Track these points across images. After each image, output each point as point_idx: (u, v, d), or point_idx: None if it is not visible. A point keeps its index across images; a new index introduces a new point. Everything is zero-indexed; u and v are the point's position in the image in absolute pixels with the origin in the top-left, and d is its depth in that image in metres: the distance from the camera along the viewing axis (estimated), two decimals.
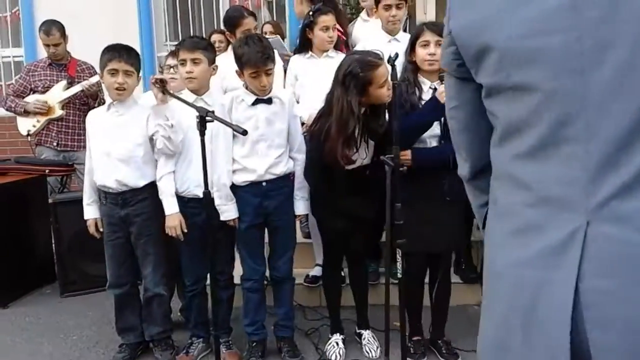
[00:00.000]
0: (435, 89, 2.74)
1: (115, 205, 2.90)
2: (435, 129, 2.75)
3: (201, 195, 2.76)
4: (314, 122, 2.84)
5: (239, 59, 2.77)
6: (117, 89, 2.81)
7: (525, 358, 1.04)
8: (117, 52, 2.82)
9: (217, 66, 2.93)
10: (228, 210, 2.84)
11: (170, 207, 2.86)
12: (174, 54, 3.13)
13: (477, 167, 1.27)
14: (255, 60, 2.71)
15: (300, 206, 2.97)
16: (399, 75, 2.54)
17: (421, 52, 2.72)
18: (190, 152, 2.84)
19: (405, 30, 3.87)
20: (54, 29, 4.41)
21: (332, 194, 2.85)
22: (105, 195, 2.92)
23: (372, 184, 2.82)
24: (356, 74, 2.64)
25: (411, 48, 2.77)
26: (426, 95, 2.76)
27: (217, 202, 2.79)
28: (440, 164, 2.61)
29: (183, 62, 2.83)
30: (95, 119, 2.98)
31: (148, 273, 2.97)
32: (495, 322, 1.11)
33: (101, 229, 2.97)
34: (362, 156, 2.81)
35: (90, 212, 2.98)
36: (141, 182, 2.89)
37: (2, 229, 3.84)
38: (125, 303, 3.03)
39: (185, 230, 2.86)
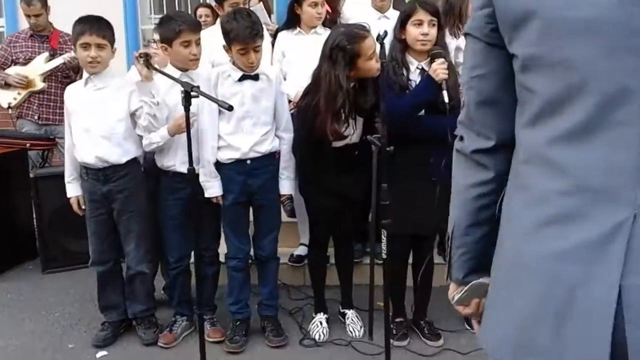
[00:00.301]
0: (422, 69, 2.70)
1: (97, 181, 2.86)
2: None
3: (185, 172, 2.74)
4: (301, 98, 2.82)
5: (226, 34, 2.72)
6: (90, 62, 2.76)
7: (557, 356, 0.96)
8: (88, 24, 2.75)
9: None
10: (212, 187, 2.82)
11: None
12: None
13: (498, 142, 1.13)
14: (244, 37, 2.66)
15: (286, 185, 2.94)
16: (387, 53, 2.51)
17: (413, 31, 2.67)
18: None
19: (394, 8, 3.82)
20: (30, 3, 4.29)
21: (320, 172, 2.84)
22: (86, 172, 2.88)
23: (361, 163, 2.79)
24: (343, 46, 2.62)
25: (401, 25, 2.72)
26: (413, 76, 2.72)
27: (201, 178, 2.77)
28: (438, 135, 2.56)
29: (187, 44, 2.76)
30: (73, 93, 2.91)
31: (130, 250, 2.94)
32: (517, 319, 1.02)
33: (83, 207, 2.93)
34: (349, 133, 2.78)
35: (72, 189, 2.94)
36: (123, 159, 2.85)
37: None
38: (107, 281, 3.01)
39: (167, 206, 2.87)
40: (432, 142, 2.65)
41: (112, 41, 2.82)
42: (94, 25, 2.75)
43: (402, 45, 2.72)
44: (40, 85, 4.33)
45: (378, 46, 2.49)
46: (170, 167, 2.87)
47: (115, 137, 2.82)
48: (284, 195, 2.96)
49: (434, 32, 2.69)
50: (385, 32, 2.42)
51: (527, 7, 0.96)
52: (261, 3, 4.07)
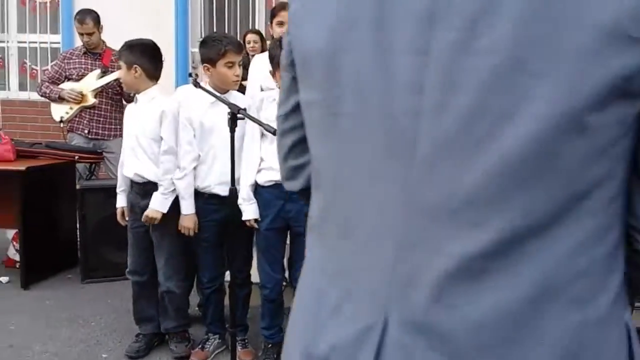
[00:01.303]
0: None
1: (138, 195, 2.95)
2: None
3: (222, 194, 2.82)
4: None
5: (272, 60, 2.78)
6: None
7: None
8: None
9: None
10: (248, 211, 2.83)
11: (188, 207, 2.88)
12: None
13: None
14: None
15: None
16: None
17: None
18: (214, 150, 2.87)
19: None
20: (87, 18, 4.48)
21: None
22: (131, 184, 3.00)
23: None
24: None
25: None
26: None
27: (239, 200, 2.79)
28: None
29: (231, 65, 2.85)
30: (128, 111, 3.11)
31: (161, 267, 2.99)
32: None
33: (127, 218, 3.03)
34: None
35: (120, 200, 3.07)
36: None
37: (30, 211, 3.92)
38: (142, 293, 3.06)
39: (196, 232, 2.90)
40: None
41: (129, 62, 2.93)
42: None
43: None
44: (91, 100, 4.49)
45: None
46: (205, 189, 2.90)
47: (152, 156, 2.91)
48: None
49: None
50: None
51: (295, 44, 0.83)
52: None
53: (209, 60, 2.84)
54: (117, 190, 3.08)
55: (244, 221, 2.84)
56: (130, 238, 3.04)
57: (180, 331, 3.09)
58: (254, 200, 2.84)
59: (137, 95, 3.00)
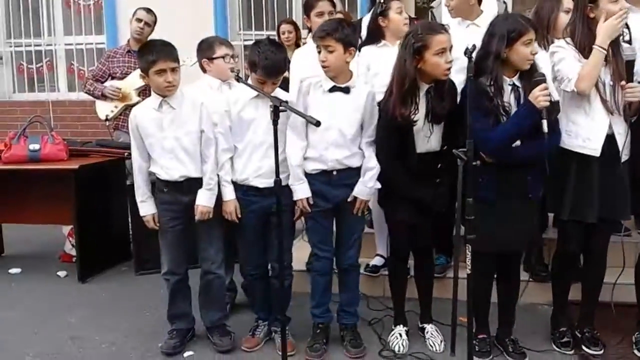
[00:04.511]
0: (514, 86, 2.66)
1: (179, 192, 2.94)
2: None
3: (260, 186, 2.87)
4: (383, 98, 2.84)
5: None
6: (167, 87, 2.84)
7: None
8: (160, 52, 2.84)
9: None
10: (298, 190, 2.87)
11: (229, 193, 2.94)
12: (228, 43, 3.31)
13: None
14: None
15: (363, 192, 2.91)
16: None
17: (524, 51, 2.58)
18: (252, 143, 2.89)
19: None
20: (152, 12, 4.65)
21: (402, 180, 2.82)
22: (166, 184, 2.95)
23: (444, 174, 2.79)
24: (415, 34, 2.67)
25: (507, 44, 2.59)
26: (506, 95, 2.65)
27: (290, 182, 2.86)
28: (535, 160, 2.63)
29: (263, 82, 2.83)
30: (146, 117, 2.93)
31: (210, 255, 3.02)
32: None
33: (157, 224, 3.01)
34: (426, 134, 2.77)
35: (148, 208, 3.01)
36: (200, 172, 2.96)
37: (84, 208, 4.06)
38: (179, 290, 3.09)
39: (240, 216, 2.93)
40: (528, 163, 2.66)
41: (179, 62, 2.93)
42: (167, 51, 2.86)
43: (499, 63, 2.62)
44: (135, 99, 4.59)
45: (461, 60, 2.46)
46: (244, 181, 2.94)
47: (196, 154, 2.93)
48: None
49: None
50: (474, 46, 2.39)
51: None
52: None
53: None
54: (141, 199, 3.00)
55: (283, 211, 2.86)
56: (167, 238, 3.00)
57: (222, 324, 3.15)
58: (304, 179, 2.87)
59: (164, 99, 2.89)
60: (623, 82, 2.65)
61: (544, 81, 2.57)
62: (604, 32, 2.61)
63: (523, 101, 2.63)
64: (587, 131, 2.72)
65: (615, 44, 2.66)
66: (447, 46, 2.65)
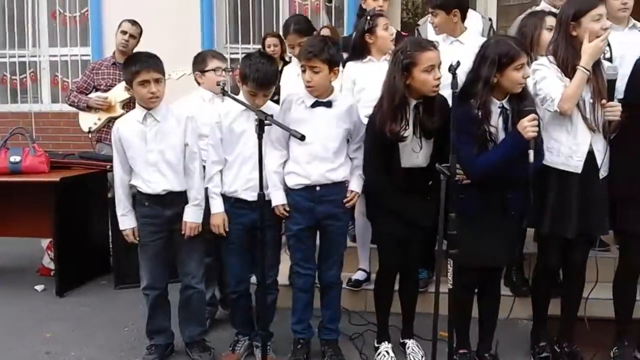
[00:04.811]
0: (503, 108, 2.67)
1: (160, 206, 2.92)
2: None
3: (248, 199, 2.85)
4: (372, 113, 2.85)
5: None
6: (150, 98, 2.83)
7: None
8: (144, 62, 2.83)
9: None
10: (274, 197, 2.88)
11: (217, 206, 2.92)
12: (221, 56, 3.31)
13: None
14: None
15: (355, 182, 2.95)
16: (459, 84, 2.48)
17: (515, 75, 2.58)
18: (242, 156, 2.89)
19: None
20: (137, 24, 4.64)
21: (388, 195, 2.82)
22: (147, 197, 2.92)
23: (431, 189, 2.78)
24: (404, 51, 2.68)
25: (499, 69, 2.59)
26: (494, 118, 2.66)
27: (267, 189, 2.85)
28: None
29: (254, 94, 2.84)
30: (129, 129, 2.91)
31: (190, 270, 2.99)
32: None
33: (137, 238, 2.98)
34: (415, 149, 2.78)
35: (128, 221, 2.97)
36: (184, 186, 2.95)
37: (64, 221, 4.01)
38: (158, 305, 3.05)
39: (227, 230, 2.91)
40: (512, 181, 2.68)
41: (164, 74, 2.92)
42: (151, 62, 2.85)
43: (489, 88, 2.62)
44: (119, 111, 4.56)
45: (448, 76, 2.48)
46: (232, 194, 2.93)
47: (179, 167, 2.92)
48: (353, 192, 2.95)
49: None
50: (458, 63, 2.42)
51: None
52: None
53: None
54: (121, 213, 2.96)
55: (273, 225, 2.88)
56: (147, 252, 2.97)
57: (201, 339, 3.11)
58: (280, 186, 2.88)
59: (149, 112, 2.87)
60: (604, 101, 2.68)
61: (534, 111, 2.56)
62: (589, 53, 2.64)
63: (511, 130, 2.62)
64: (568, 149, 2.74)
65: (596, 63, 2.70)
66: (435, 63, 2.67)
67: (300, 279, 2.97)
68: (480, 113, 2.61)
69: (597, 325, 3.05)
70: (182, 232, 2.92)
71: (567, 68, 2.70)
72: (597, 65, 2.71)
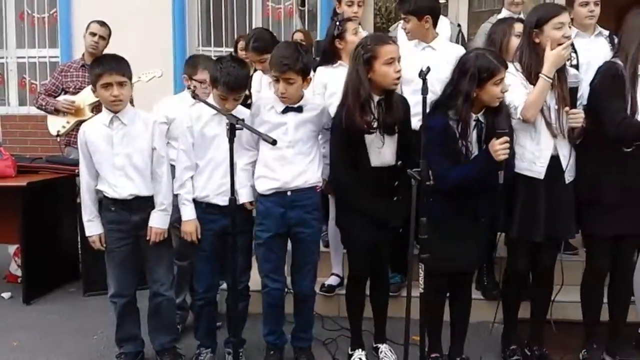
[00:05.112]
0: (478, 121, 2.69)
1: (127, 211, 2.87)
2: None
3: (220, 204, 2.83)
4: (336, 112, 2.85)
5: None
6: (112, 101, 2.79)
7: None
8: (107, 65, 2.78)
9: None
10: (242, 194, 2.84)
11: (189, 213, 2.88)
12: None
13: None
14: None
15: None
16: (429, 89, 2.49)
17: (494, 90, 2.60)
18: (214, 160, 2.86)
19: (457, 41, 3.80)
20: (106, 25, 4.55)
21: (358, 194, 2.80)
22: (114, 202, 2.87)
23: (401, 192, 2.79)
24: (364, 45, 2.73)
25: (479, 84, 2.59)
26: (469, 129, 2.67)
27: (236, 186, 2.77)
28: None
29: (224, 98, 2.82)
30: (95, 133, 2.86)
31: (160, 276, 2.95)
32: None
33: (104, 244, 2.93)
34: (378, 145, 2.78)
35: (94, 227, 2.92)
36: (152, 191, 2.91)
37: (31, 226, 3.92)
38: (127, 312, 2.99)
39: (199, 237, 2.88)
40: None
41: (130, 78, 2.87)
42: (114, 65, 2.80)
43: (469, 103, 2.63)
44: (88, 114, 4.46)
45: (419, 81, 2.49)
46: (204, 199, 2.90)
47: (146, 172, 2.88)
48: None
49: None
50: (428, 68, 2.44)
51: None
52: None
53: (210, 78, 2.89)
54: (88, 218, 2.91)
55: (244, 230, 2.85)
56: (114, 259, 2.91)
57: (172, 347, 3.06)
58: (247, 184, 2.87)
59: (115, 116, 2.82)
60: (567, 108, 2.73)
61: (507, 134, 2.57)
62: (550, 61, 2.68)
63: (484, 149, 2.64)
64: (532, 154, 2.79)
65: (561, 70, 2.74)
66: (395, 56, 2.71)
67: (270, 294, 2.92)
68: (459, 128, 2.63)
69: (567, 327, 3.10)
70: (147, 238, 2.87)
71: (532, 74, 2.74)
72: (562, 72, 2.75)
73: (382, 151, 2.79)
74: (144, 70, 4.38)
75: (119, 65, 2.81)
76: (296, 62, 2.73)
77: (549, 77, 2.68)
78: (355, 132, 2.72)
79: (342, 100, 2.79)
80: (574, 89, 2.75)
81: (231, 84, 2.76)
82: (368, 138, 2.76)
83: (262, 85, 3.72)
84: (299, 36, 5.15)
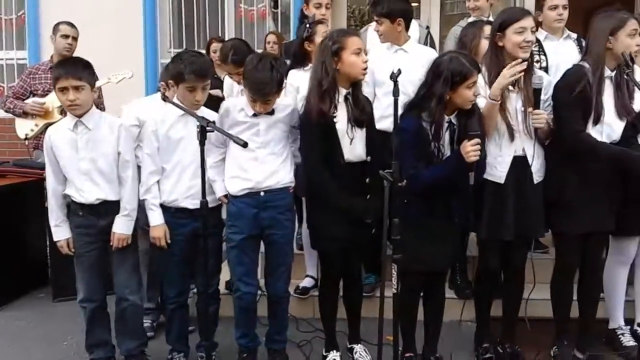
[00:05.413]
0: (451, 122, 2.71)
1: (94, 216, 2.83)
2: None
3: (190, 207, 2.80)
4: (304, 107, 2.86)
5: (244, 77, 2.78)
6: (69, 105, 2.75)
7: None
8: (64, 68, 2.74)
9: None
10: (217, 189, 2.86)
11: (156, 218, 2.85)
12: None
13: None
14: (257, 90, 2.72)
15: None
16: (401, 90, 2.49)
17: (467, 93, 2.62)
18: (181, 163, 2.83)
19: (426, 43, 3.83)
20: (74, 25, 4.47)
21: (333, 190, 2.77)
22: (81, 207, 2.83)
23: (373, 190, 2.79)
24: (331, 38, 2.78)
25: (452, 87, 2.61)
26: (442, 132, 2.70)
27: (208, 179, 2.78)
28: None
29: (192, 89, 2.78)
30: (60, 137, 2.82)
31: (124, 280, 2.90)
32: None
33: (72, 249, 2.88)
34: (350, 135, 2.78)
35: (62, 232, 2.88)
36: (118, 196, 2.87)
37: None
38: (97, 317, 2.94)
39: (169, 241, 2.85)
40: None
41: (90, 82, 2.80)
42: (70, 68, 2.75)
43: (442, 105, 2.65)
44: (57, 117, 4.37)
45: (389, 83, 2.50)
46: (172, 203, 2.86)
47: (112, 176, 2.84)
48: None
49: None
50: (399, 71, 2.45)
51: None
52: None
53: (172, 77, 2.82)
54: (55, 223, 2.88)
55: (214, 233, 2.84)
56: (83, 263, 2.87)
57: (139, 352, 3.02)
58: (217, 179, 2.86)
59: (79, 120, 2.77)
60: (530, 109, 2.77)
61: (478, 136, 2.60)
62: (496, 84, 2.71)
63: (455, 150, 2.66)
64: (493, 159, 2.82)
65: (527, 72, 2.78)
66: (362, 47, 2.77)
67: (242, 298, 2.88)
68: (432, 130, 2.66)
69: (539, 325, 3.13)
70: (111, 244, 2.83)
71: (492, 76, 2.78)
72: (528, 74, 2.79)
73: (353, 143, 2.80)
74: (114, 72, 4.32)
75: (76, 70, 2.76)
76: (274, 86, 2.72)
77: (493, 100, 2.72)
78: (319, 120, 2.72)
79: (308, 94, 2.81)
80: (538, 90, 2.78)
81: (198, 71, 2.74)
82: (339, 130, 2.77)
83: (233, 91, 3.69)
84: (272, 38, 5.15)
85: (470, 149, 2.56)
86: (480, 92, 2.71)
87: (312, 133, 2.78)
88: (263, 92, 2.70)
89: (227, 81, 3.79)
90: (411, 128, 2.63)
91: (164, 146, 2.84)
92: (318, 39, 3.43)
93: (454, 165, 2.64)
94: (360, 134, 2.82)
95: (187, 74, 2.73)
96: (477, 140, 2.58)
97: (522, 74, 2.73)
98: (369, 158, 2.83)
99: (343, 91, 2.78)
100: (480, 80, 2.78)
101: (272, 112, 2.82)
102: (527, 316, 3.04)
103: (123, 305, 2.93)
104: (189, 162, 2.79)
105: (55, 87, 2.76)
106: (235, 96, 3.59)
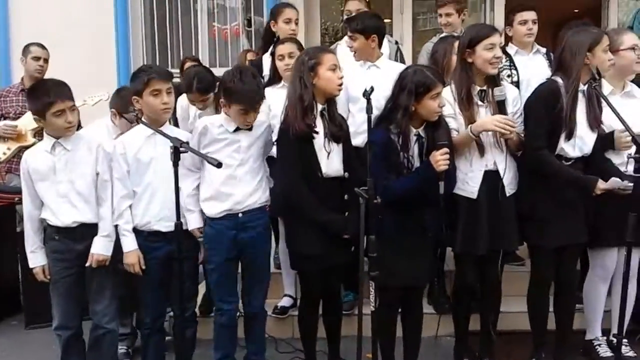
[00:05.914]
0: (419, 136, 2.74)
1: (72, 240, 2.78)
2: None
3: (163, 230, 2.78)
4: (281, 121, 2.87)
5: (229, 92, 2.76)
6: (67, 128, 2.73)
7: None
8: (58, 92, 2.71)
9: None
10: (191, 220, 2.84)
11: (129, 244, 2.80)
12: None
13: None
14: (249, 99, 2.73)
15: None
16: (375, 106, 2.53)
17: (432, 104, 2.66)
18: (152, 185, 2.80)
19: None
20: (44, 46, 4.42)
21: (312, 204, 2.76)
22: (57, 231, 2.78)
23: (351, 206, 2.78)
24: (308, 54, 2.84)
25: (416, 98, 2.66)
26: (410, 144, 2.73)
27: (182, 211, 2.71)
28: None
29: (157, 93, 2.77)
30: (38, 160, 2.78)
31: (102, 308, 2.84)
32: None
33: (48, 276, 2.82)
34: (327, 149, 2.80)
35: (38, 259, 2.82)
36: (96, 218, 2.82)
37: None
38: (72, 345, 2.88)
39: (144, 267, 2.81)
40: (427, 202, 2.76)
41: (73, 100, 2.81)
42: (62, 91, 2.73)
43: (408, 116, 2.69)
44: (31, 140, 4.31)
45: (364, 101, 2.52)
46: (145, 226, 2.82)
47: (91, 198, 2.79)
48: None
49: None
50: (372, 88, 2.47)
51: None
52: None
53: (136, 92, 2.79)
54: (31, 249, 2.82)
55: (190, 255, 2.81)
56: (59, 289, 2.81)
57: None
58: (194, 210, 2.83)
59: (57, 141, 2.75)
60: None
61: (447, 146, 2.64)
62: (482, 124, 2.77)
63: (425, 160, 2.70)
64: (465, 175, 2.86)
65: (495, 84, 2.84)
66: (337, 64, 2.80)
67: (224, 315, 2.87)
68: (400, 141, 2.68)
69: (517, 338, 3.15)
70: (87, 264, 2.76)
71: (461, 92, 2.82)
72: (496, 87, 2.85)
73: (330, 157, 2.81)
74: (89, 93, 4.27)
75: (67, 91, 2.75)
76: (262, 93, 2.82)
77: (472, 134, 2.77)
78: (300, 135, 2.73)
79: (286, 109, 2.82)
80: (500, 102, 2.84)
81: (159, 72, 2.82)
82: (317, 144, 2.78)
83: (189, 114, 3.65)
84: (251, 56, 5.14)
85: (439, 158, 2.61)
86: (445, 104, 2.75)
87: (291, 148, 2.78)
88: (254, 100, 2.75)
89: (181, 102, 3.70)
90: (380, 140, 2.66)
91: (134, 169, 2.80)
92: (277, 58, 3.47)
93: (423, 175, 2.68)
94: (337, 149, 2.84)
95: (149, 76, 2.73)
96: (446, 149, 2.63)
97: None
98: (346, 174, 2.84)
99: (319, 106, 2.80)
100: (450, 96, 2.81)
101: (250, 128, 2.83)
102: (506, 329, 3.05)
103: (99, 333, 2.87)
104: (159, 184, 2.76)
105: (46, 112, 2.68)
106: (192, 119, 3.56)
